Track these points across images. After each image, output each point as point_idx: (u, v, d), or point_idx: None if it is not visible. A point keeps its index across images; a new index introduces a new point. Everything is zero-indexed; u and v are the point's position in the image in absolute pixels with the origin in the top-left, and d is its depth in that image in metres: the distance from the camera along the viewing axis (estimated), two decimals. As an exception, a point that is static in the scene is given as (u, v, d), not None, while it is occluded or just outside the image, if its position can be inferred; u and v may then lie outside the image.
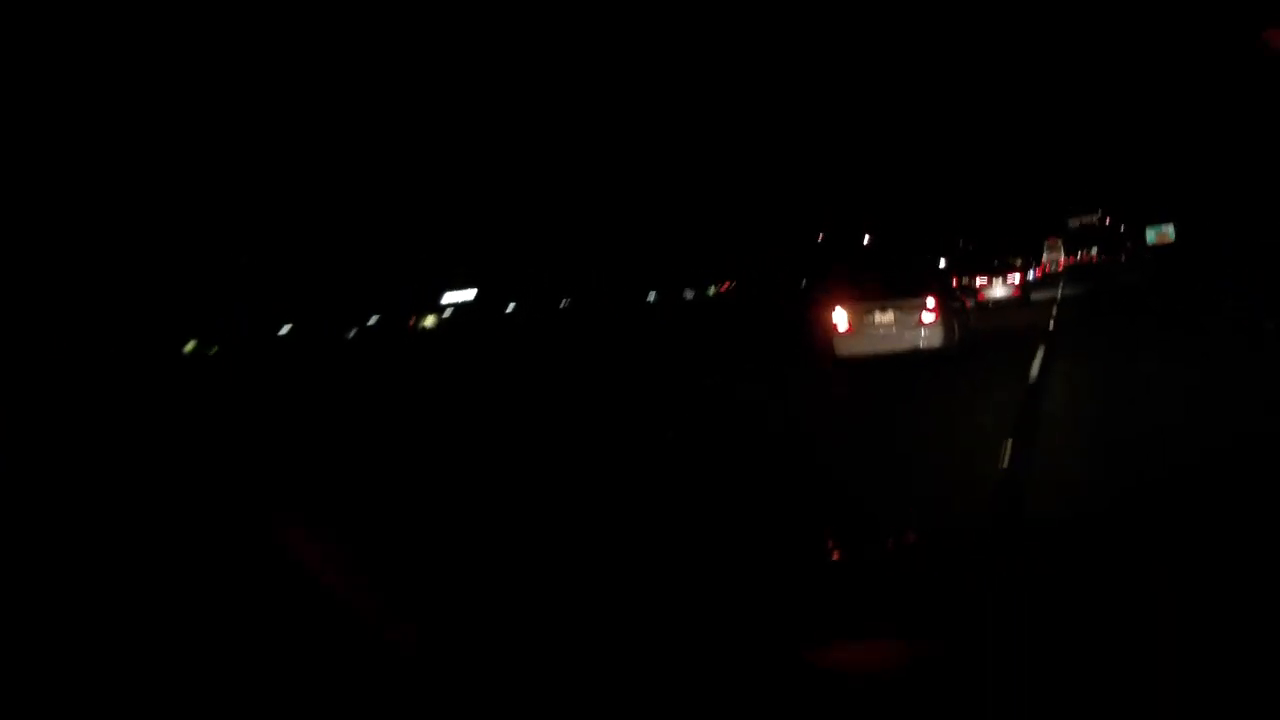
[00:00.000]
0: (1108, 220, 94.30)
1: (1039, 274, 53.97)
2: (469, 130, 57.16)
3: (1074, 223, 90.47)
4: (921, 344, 14.83)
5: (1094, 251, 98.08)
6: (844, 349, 15.51)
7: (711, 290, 68.90)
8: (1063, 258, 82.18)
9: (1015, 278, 35.04)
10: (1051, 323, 21.26)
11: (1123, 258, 76.50)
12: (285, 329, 45.75)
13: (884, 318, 15.13)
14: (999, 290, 33.17)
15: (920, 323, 14.83)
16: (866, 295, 15.64)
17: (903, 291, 15.33)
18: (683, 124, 64.40)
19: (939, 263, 68.08)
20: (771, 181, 65.35)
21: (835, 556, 2.48)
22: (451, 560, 5.52)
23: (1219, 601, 1.57)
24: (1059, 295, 36.13)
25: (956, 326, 15.82)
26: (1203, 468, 5.77)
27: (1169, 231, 57.11)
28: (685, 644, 1.71)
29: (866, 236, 71.52)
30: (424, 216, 55.38)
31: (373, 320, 50.03)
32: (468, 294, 55.83)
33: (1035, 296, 35.16)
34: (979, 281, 33.98)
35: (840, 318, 15.51)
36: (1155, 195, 68.73)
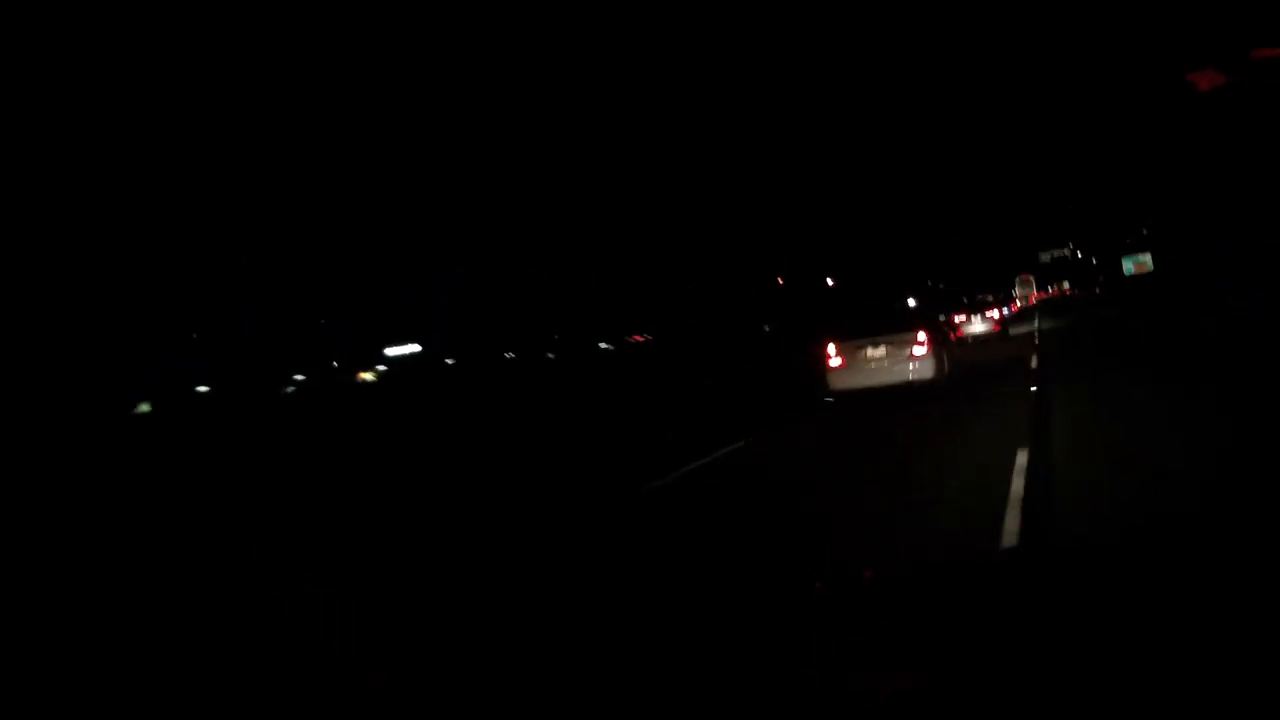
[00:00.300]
0: (1078, 253, 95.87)
1: (1014, 309, 54.68)
2: (418, 184, 57.86)
3: (1045, 256, 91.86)
4: (912, 377, 15.60)
5: (1065, 285, 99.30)
6: (837, 383, 16.24)
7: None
8: (1034, 293, 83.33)
9: (995, 314, 36.50)
10: (1034, 360, 20.73)
11: (1097, 290, 77.18)
12: (203, 388, 44.87)
13: (876, 352, 15.88)
14: (978, 326, 34.49)
15: (912, 356, 15.61)
16: (859, 331, 16.37)
17: (894, 327, 16.21)
18: (638, 163, 65.01)
19: (907, 302, 68.71)
20: (729, 223, 65.56)
21: (820, 590, 2.55)
22: (430, 605, 5.68)
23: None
24: (1036, 328, 36.92)
25: (945, 360, 16.81)
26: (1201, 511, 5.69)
27: (1147, 260, 57.15)
28: (672, 682, 1.77)
29: (829, 279, 71.80)
30: (368, 272, 56.41)
31: (299, 377, 49.32)
32: (411, 348, 56.07)
33: (1012, 331, 36.03)
34: (958, 318, 34.94)
35: (833, 353, 16.26)
36: (1127, 226, 69.96)
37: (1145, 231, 67.12)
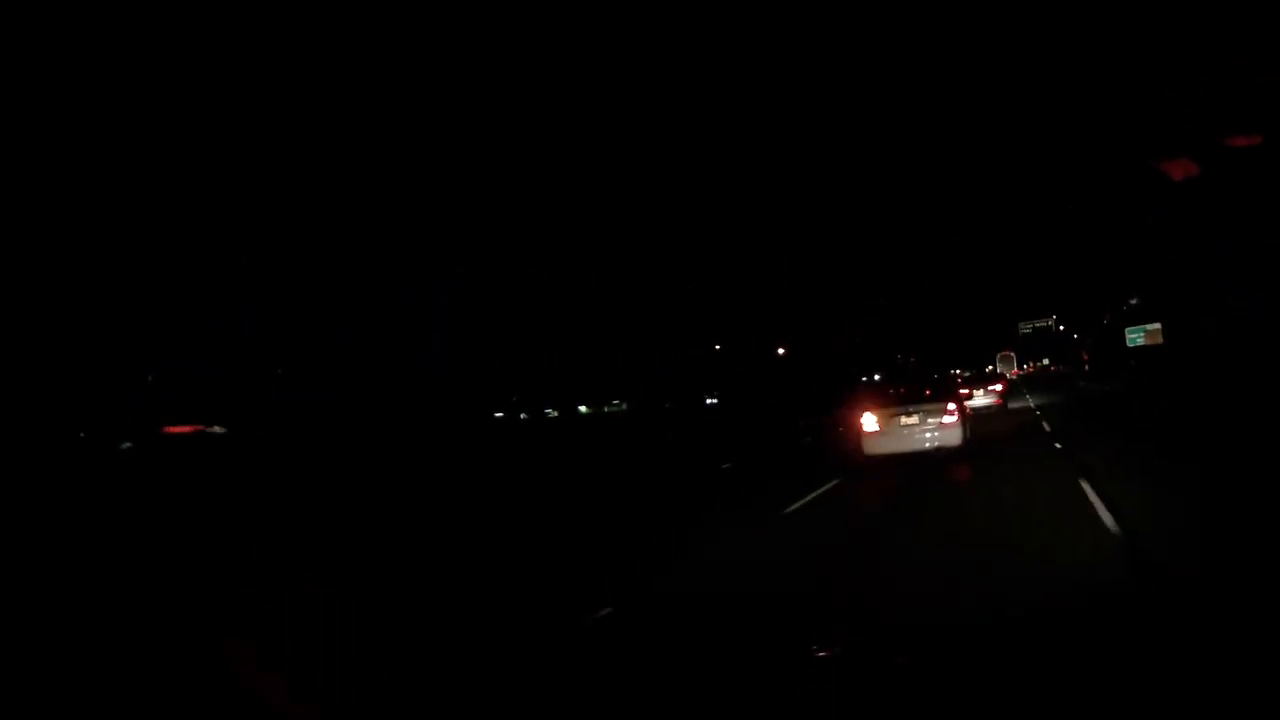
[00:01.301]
0: (1060, 327, 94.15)
1: (1005, 385, 52.93)
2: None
3: (1025, 327, 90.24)
4: (941, 443, 18.07)
5: (1045, 361, 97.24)
6: (872, 448, 18.52)
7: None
8: (1014, 369, 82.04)
9: (998, 387, 39.87)
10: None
11: (1085, 367, 75.10)
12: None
13: (910, 420, 18.32)
14: (981, 400, 36.20)
15: (942, 425, 18.17)
16: (893, 401, 19.17)
17: (925, 398, 18.97)
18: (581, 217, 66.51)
19: (873, 376, 67.54)
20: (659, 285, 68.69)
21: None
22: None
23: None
24: (1030, 404, 38.46)
25: (968, 429, 19.41)
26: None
27: (1158, 330, 53.05)
28: None
29: (780, 349, 71.72)
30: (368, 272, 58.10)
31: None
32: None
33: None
34: (961, 391, 34.79)
35: (869, 420, 18.72)
36: (1117, 296, 68.35)
37: (1133, 302, 65.44)
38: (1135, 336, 55.04)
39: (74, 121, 44.90)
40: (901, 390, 20.29)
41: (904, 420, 18.38)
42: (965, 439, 18.65)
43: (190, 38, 49.94)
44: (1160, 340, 51.84)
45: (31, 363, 34.25)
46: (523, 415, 58.75)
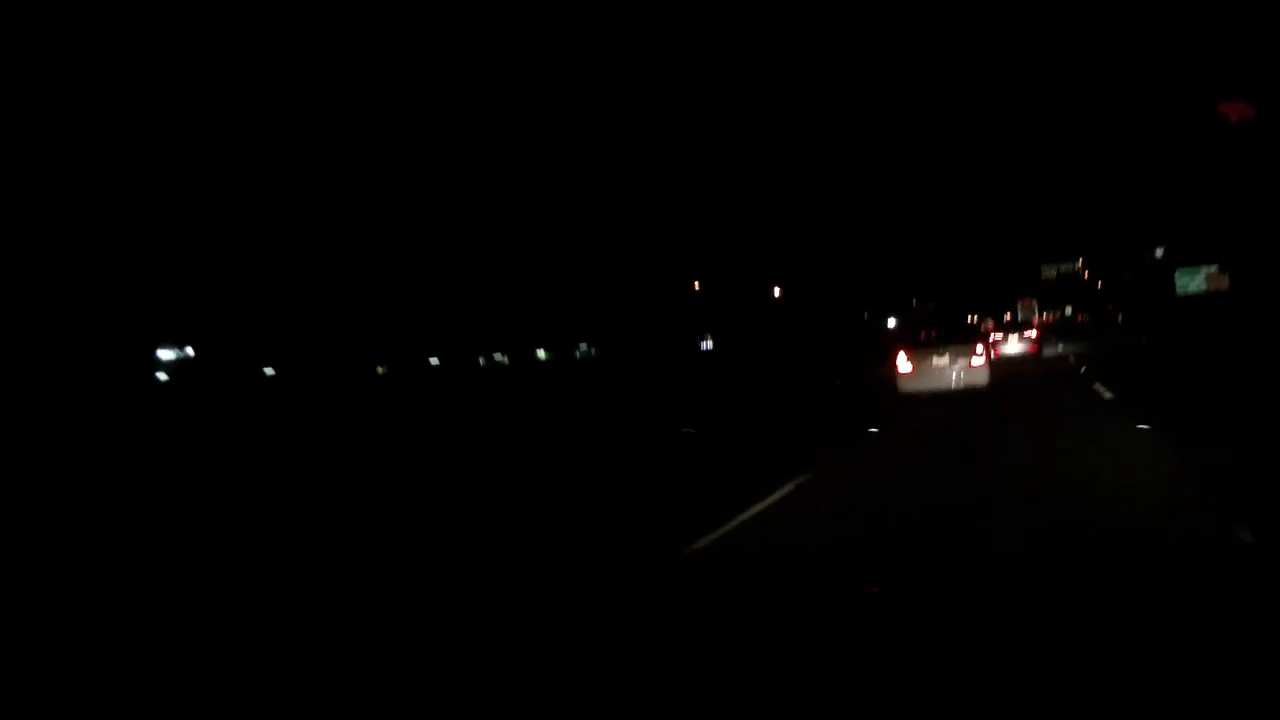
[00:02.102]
0: (1087, 273, 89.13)
1: (1036, 335, 49.38)
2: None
3: (1049, 270, 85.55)
4: (969, 383, 20.22)
5: (1068, 311, 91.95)
6: (906, 387, 20.75)
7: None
8: (1034, 318, 77.72)
9: (1032, 333, 40.74)
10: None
11: (1119, 317, 70.05)
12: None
13: (941, 361, 20.52)
14: (1014, 347, 37.26)
15: (970, 366, 20.46)
16: (925, 343, 21.77)
17: (955, 340, 21.48)
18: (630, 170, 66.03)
19: (887, 323, 64.79)
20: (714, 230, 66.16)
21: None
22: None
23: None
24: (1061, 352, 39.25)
25: (992, 371, 21.49)
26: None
27: (1220, 275, 45.56)
28: None
29: (776, 289, 69.56)
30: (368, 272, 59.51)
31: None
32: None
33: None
34: (994, 337, 38.48)
35: (903, 361, 21.07)
36: (1150, 239, 63.86)
37: (1159, 254, 61.10)
38: (1187, 281, 48.39)
39: (74, 120, 44.53)
40: (933, 335, 22.76)
41: (935, 361, 20.54)
42: (991, 380, 20.95)
43: (190, 36, 50.28)
44: (1225, 285, 45.36)
45: (31, 362, 34.86)
46: (480, 361, 57.51)
